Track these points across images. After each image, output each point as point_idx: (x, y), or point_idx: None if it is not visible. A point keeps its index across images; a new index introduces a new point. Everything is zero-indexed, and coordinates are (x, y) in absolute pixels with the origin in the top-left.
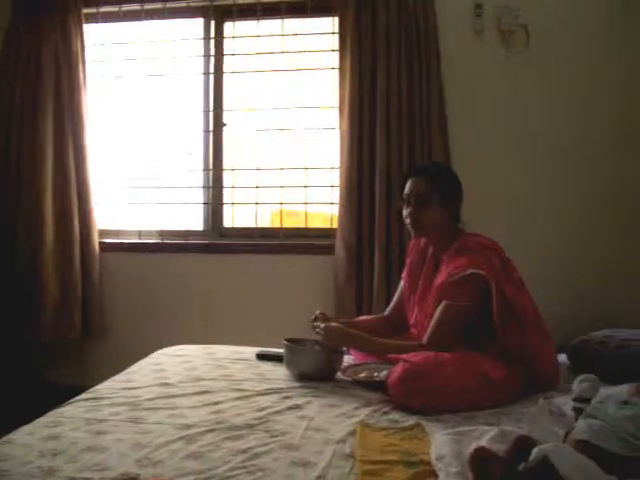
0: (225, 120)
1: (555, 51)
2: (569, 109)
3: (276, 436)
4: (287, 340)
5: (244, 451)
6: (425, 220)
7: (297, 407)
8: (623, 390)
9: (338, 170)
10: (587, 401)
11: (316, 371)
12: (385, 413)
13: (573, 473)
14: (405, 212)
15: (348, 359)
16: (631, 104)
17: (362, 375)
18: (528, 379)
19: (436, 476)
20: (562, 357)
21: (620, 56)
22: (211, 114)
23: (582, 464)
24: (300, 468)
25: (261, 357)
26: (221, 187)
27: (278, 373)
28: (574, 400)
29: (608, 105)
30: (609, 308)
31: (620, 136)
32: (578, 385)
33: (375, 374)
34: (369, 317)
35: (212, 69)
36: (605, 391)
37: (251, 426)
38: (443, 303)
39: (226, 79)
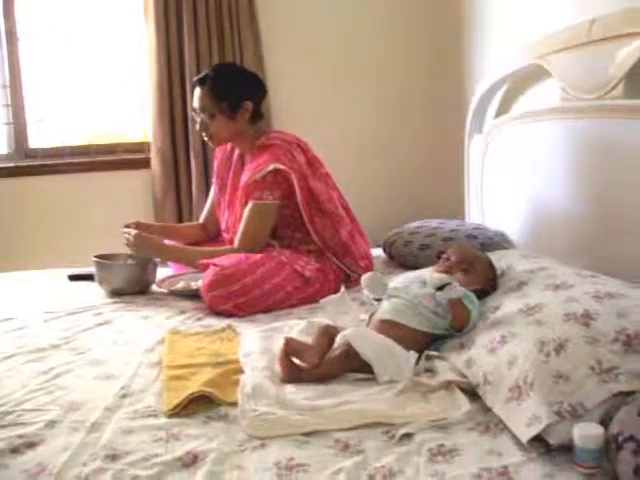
0: (20, 33)
1: None
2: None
3: (81, 353)
4: (97, 257)
5: (45, 372)
6: (215, 132)
7: (107, 323)
8: (426, 272)
9: (148, 80)
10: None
11: (129, 285)
12: (199, 319)
13: (373, 353)
14: (197, 124)
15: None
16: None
17: (179, 285)
18: (342, 273)
19: (243, 373)
20: (379, 251)
21: None
22: (2, 27)
23: (381, 343)
24: (103, 382)
25: (74, 278)
26: (22, 105)
27: (91, 292)
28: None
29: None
30: (426, 202)
31: (433, 48)
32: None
33: (193, 283)
34: (185, 224)
35: None
36: (411, 274)
37: (55, 346)
38: (250, 203)
39: None
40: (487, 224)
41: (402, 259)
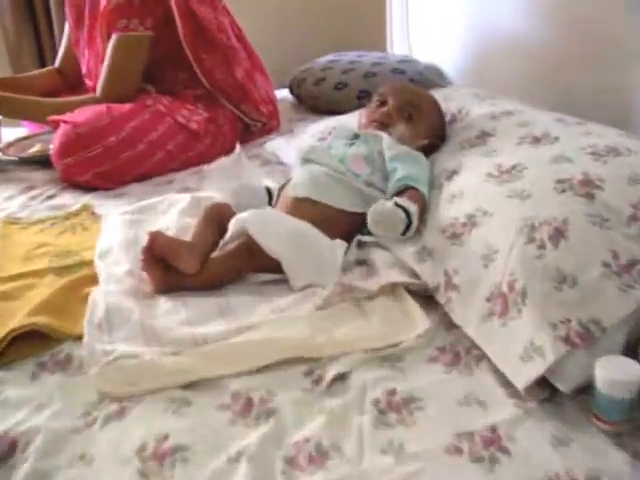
0: None
1: None
2: None
3: None
4: None
5: None
6: None
7: None
8: (353, 121)
9: None
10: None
11: None
12: (50, 197)
13: (282, 245)
14: None
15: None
16: None
17: (33, 150)
18: (240, 123)
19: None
20: (285, 92)
21: None
22: None
23: (293, 231)
24: None
25: None
26: None
27: None
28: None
29: None
30: (340, 30)
31: None
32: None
33: (51, 146)
34: (35, 72)
35: None
36: (331, 123)
37: None
38: (113, 36)
39: None
40: (415, 56)
41: (313, 101)
